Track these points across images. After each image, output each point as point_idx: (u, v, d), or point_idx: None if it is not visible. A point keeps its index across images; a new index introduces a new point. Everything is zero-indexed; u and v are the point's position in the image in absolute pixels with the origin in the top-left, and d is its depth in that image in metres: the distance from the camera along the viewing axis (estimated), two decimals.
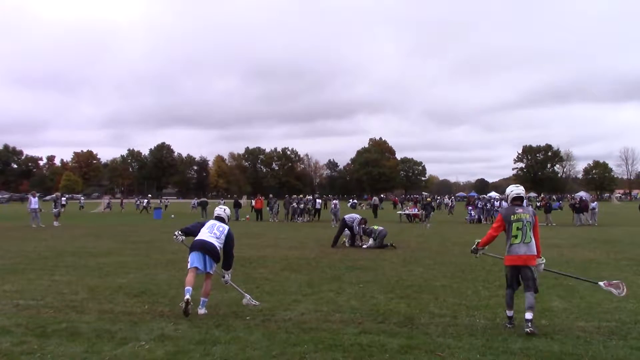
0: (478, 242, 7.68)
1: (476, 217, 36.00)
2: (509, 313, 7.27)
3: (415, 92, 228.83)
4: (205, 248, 8.19)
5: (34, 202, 29.13)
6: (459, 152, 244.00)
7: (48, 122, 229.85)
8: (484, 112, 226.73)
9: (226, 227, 8.61)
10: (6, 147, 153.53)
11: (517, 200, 7.50)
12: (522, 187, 7.84)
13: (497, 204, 36.24)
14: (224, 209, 9.12)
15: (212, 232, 8.44)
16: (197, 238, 8.42)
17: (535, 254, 7.17)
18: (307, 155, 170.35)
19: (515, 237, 7.17)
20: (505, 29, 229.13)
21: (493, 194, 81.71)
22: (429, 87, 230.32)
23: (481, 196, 59.97)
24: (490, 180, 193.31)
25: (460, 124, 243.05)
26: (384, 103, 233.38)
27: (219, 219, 8.82)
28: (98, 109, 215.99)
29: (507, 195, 7.75)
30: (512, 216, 7.26)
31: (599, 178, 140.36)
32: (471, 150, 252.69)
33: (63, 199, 46.96)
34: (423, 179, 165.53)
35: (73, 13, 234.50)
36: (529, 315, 6.77)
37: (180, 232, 8.73)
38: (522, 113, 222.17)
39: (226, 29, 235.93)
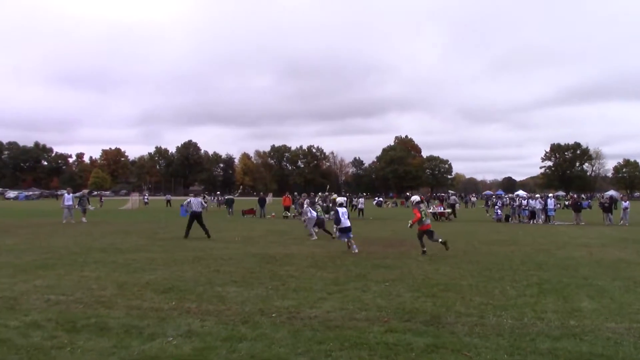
0: (411, 222, 15.45)
1: (503, 216, 35.59)
2: (424, 249, 15.08)
3: (447, 90, 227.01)
4: (350, 230, 16.08)
5: (67, 198, 29.66)
6: (488, 150, 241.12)
7: (80, 120, 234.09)
8: (516, 109, 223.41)
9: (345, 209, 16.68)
10: (37, 144, 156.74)
11: (419, 203, 15.82)
12: (418, 196, 17.63)
13: (524, 202, 35.79)
14: (344, 199, 17.11)
15: (345, 218, 16.08)
16: (344, 226, 15.89)
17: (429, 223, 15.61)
18: (332, 153, 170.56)
19: (425, 217, 15.31)
20: (539, 26, 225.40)
21: (520, 192, 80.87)
22: (461, 85, 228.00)
23: (508, 195, 59.33)
24: (518, 178, 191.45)
25: (491, 122, 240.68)
26: (416, 101, 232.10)
27: (342, 205, 17.00)
28: (130, 107, 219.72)
29: (412, 201, 16.42)
30: (421, 210, 15.32)
31: (629, 177, 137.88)
32: (501, 148, 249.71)
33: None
34: (449, 177, 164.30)
35: (113, 13, 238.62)
36: (442, 239, 15.10)
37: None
38: (555, 111, 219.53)
39: (262, 29, 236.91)
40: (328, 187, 42.38)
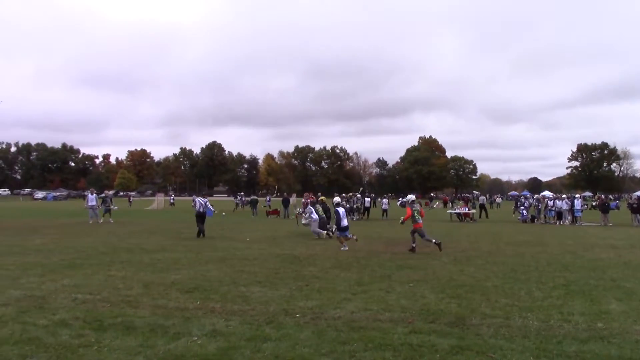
0: (403, 219, 16.50)
1: (529, 217, 35.15)
2: (414, 244, 15.86)
3: (472, 90, 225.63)
4: (347, 229, 17.16)
5: (91, 199, 29.94)
6: (514, 150, 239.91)
7: (107, 121, 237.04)
8: (543, 109, 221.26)
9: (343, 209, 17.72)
10: (64, 145, 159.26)
11: (414, 202, 16.44)
12: (414, 195, 18.01)
13: (550, 203, 35.28)
14: (339, 200, 19.17)
15: (345, 218, 17.12)
16: (344, 225, 16.96)
17: (421, 222, 16.05)
18: (356, 153, 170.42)
19: (416, 216, 15.95)
20: (565, 26, 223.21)
21: (547, 192, 79.77)
22: (487, 85, 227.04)
23: (535, 196, 58.60)
24: (544, 179, 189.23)
25: (517, 122, 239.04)
26: (441, 101, 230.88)
27: (340, 204, 18.07)
28: (156, 108, 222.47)
29: (408, 200, 16.97)
30: (414, 209, 16.05)
31: None
32: (527, 148, 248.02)
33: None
34: (474, 177, 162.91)
35: (137, 15, 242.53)
36: (435, 240, 15.92)
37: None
38: (582, 110, 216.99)
39: (285, 29, 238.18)
40: (361, 189, 42.53)
